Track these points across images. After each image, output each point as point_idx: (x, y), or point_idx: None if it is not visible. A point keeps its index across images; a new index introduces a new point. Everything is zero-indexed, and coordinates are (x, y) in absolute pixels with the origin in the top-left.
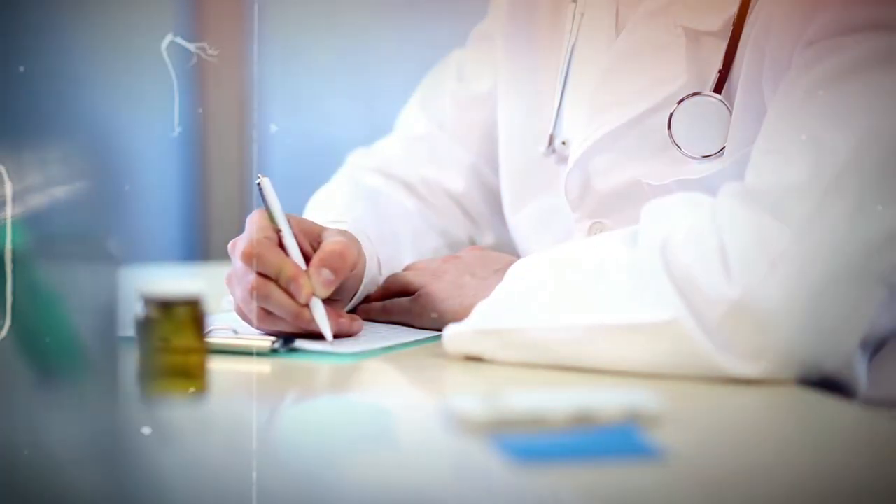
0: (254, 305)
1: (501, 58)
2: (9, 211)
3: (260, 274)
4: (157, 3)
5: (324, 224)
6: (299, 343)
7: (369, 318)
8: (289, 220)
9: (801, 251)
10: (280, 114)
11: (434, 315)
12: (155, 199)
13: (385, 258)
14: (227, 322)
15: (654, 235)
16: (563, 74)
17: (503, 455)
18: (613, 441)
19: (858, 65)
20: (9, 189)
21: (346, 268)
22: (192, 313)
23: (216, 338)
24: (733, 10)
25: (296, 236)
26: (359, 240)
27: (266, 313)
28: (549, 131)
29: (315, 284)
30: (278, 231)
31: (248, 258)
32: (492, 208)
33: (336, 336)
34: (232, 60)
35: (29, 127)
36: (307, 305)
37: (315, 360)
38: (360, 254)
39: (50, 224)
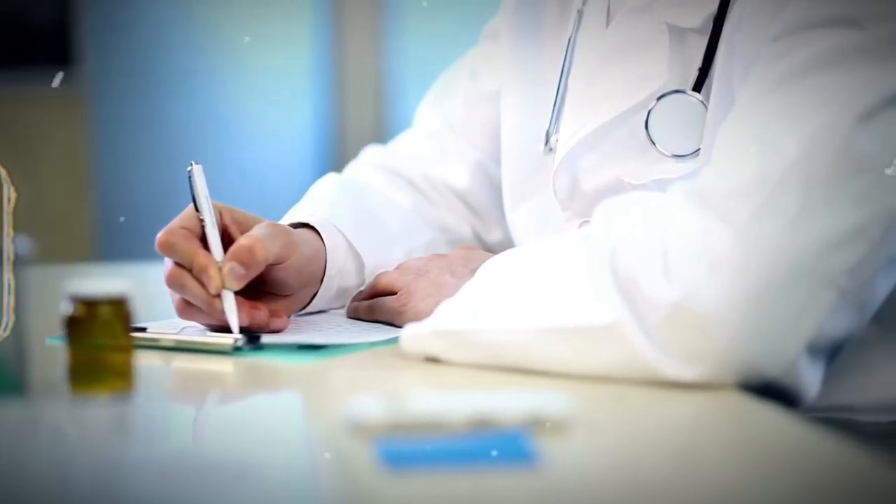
0: (176, 296)
1: (506, 55)
2: (10, 210)
3: (177, 264)
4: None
5: (304, 218)
6: (266, 339)
7: (357, 317)
8: (220, 211)
9: (742, 253)
10: (413, 106)
11: (414, 314)
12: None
13: (369, 252)
14: None
15: (602, 236)
16: (561, 71)
17: (379, 461)
18: (495, 447)
19: (815, 62)
20: (9, 191)
21: (256, 262)
22: (116, 312)
23: (183, 336)
24: (714, 6)
25: (227, 227)
26: (321, 234)
27: (186, 304)
28: (547, 129)
29: (225, 276)
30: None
31: (162, 247)
32: (499, 205)
33: (256, 329)
34: (367, 61)
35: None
36: (219, 296)
37: (279, 358)
38: (291, 247)
39: None
